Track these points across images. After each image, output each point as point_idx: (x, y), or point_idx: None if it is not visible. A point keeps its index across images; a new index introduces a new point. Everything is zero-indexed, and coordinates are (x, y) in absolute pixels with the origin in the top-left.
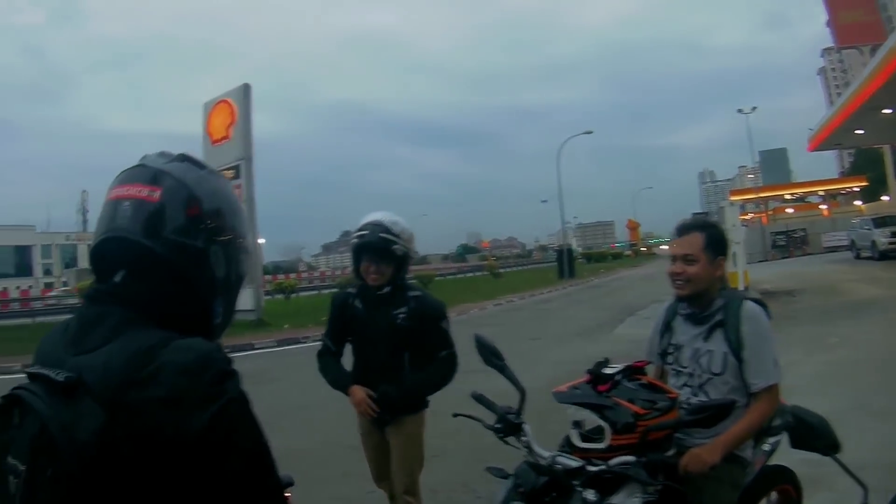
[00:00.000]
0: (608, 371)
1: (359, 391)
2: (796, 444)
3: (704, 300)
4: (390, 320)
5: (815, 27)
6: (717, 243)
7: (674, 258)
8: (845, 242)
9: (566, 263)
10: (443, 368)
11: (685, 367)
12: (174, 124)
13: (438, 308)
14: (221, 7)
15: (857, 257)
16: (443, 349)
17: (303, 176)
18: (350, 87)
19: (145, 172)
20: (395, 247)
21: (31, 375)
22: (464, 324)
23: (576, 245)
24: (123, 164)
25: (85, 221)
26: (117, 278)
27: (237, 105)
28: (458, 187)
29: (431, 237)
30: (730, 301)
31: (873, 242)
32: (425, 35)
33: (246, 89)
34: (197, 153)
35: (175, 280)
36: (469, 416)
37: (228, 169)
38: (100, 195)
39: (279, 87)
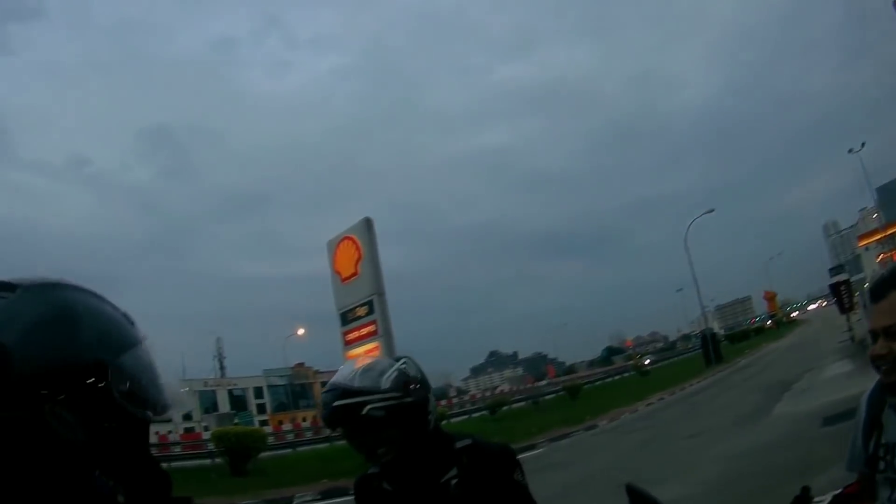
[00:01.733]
0: None
1: None
2: None
3: None
4: (438, 492)
5: None
6: None
7: (874, 334)
8: None
9: (711, 348)
10: None
11: None
12: (302, 266)
13: (505, 455)
14: (336, 149)
15: None
16: None
17: (443, 303)
18: (473, 209)
19: None
20: (371, 408)
21: None
22: (618, 430)
23: (717, 327)
24: (254, 309)
25: (222, 368)
26: None
27: (361, 240)
28: (594, 292)
29: (576, 345)
30: None
31: None
32: (538, 149)
33: (368, 223)
34: (329, 293)
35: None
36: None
37: (361, 305)
38: (234, 341)
39: (406, 219)
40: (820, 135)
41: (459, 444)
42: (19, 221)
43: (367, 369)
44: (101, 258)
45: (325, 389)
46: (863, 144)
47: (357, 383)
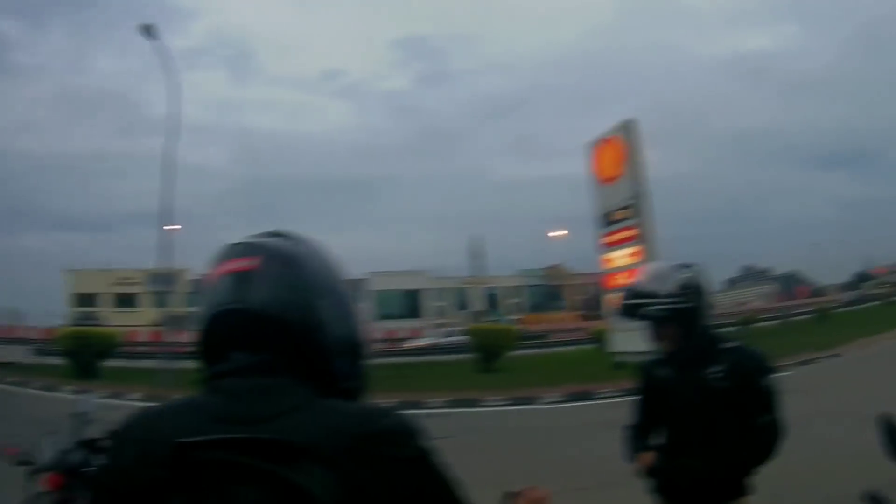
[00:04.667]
0: None
1: (648, 455)
2: None
3: None
4: (701, 383)
5: None
6: None
7: None
8: None
9: None
10: (763, 439)
11: None
12: (559, 168)
13: (760, 360)
14: (593, 52)
15: None
16: (763, 414)
17: (702, 210)
18: (737, 114)
19: (246, 248)
20: (654, 309)
21: (209, 444)
22: (863, 362)
23: None
24: (512, 211)
25: (479, 266)
26: (259, 351)
27: (624, 142)
28: (857, 210)
29: (829, 266)
30: None
31: None
32: (799, 54)
33: (631, 125)
34: (586, 194)
35: (301, 345)
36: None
37: (623, 209)
38: (494, 241)
39: (666, 123)
40: None
41: (725, 346)
42: (280, 134)
43: (658, 275)
44: (364, 163)
45: (625, 292)
46: None
47: (646, 286)
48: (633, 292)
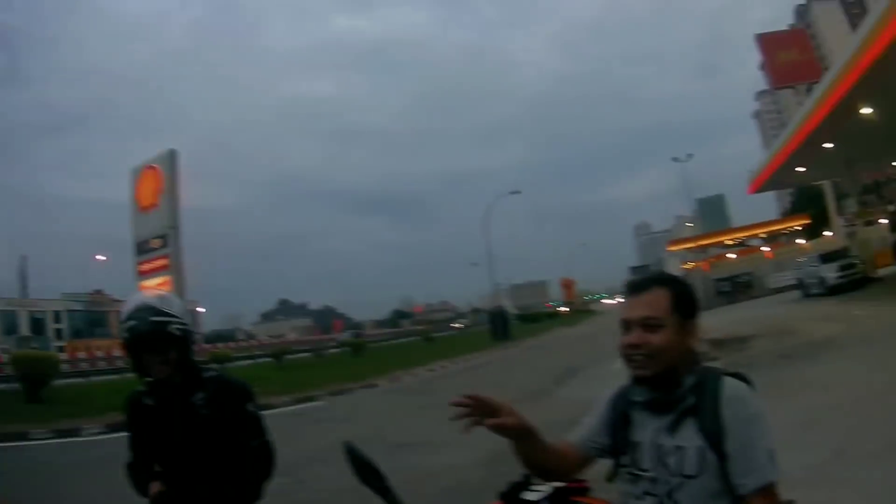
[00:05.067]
0: (530, 496)
1: (156, 485)
2: None
3: (671, 380)
4: (187, 410)
5: (747, 72)
6: (688, 302)
7: (628, 324)
8: (792, 282)
9: (500, 325)
10: (256, 461)
11: (646, 471)
12: (110, 191)
13: (243, 389)
14: (161, 75)
15: (806, 295)
16: (254, 438)
17: (244, 245)
18: (289, 157)
19: None
20: (173, 327)
21: None
22: (398, 393)
23: (511, 306)
24: (62, 229)
25: (25, 288)
26: None
27: (165, 171)
28: (394, 254)
29: (365, 304)
30: (704, 379)
31: (821, 279)
32: (362, 103)
33: (173, 155)
34: (126, 220)
35: None
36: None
37: (157, 237)
38: (39, 260)
39: (218, 156)
40: (652, 140)
41: (207, 374)
42: None
43: (165, 297)
44: None
45: (135, 307)
46: (689, 156)
47: (164, 306)
48: (152, 310)
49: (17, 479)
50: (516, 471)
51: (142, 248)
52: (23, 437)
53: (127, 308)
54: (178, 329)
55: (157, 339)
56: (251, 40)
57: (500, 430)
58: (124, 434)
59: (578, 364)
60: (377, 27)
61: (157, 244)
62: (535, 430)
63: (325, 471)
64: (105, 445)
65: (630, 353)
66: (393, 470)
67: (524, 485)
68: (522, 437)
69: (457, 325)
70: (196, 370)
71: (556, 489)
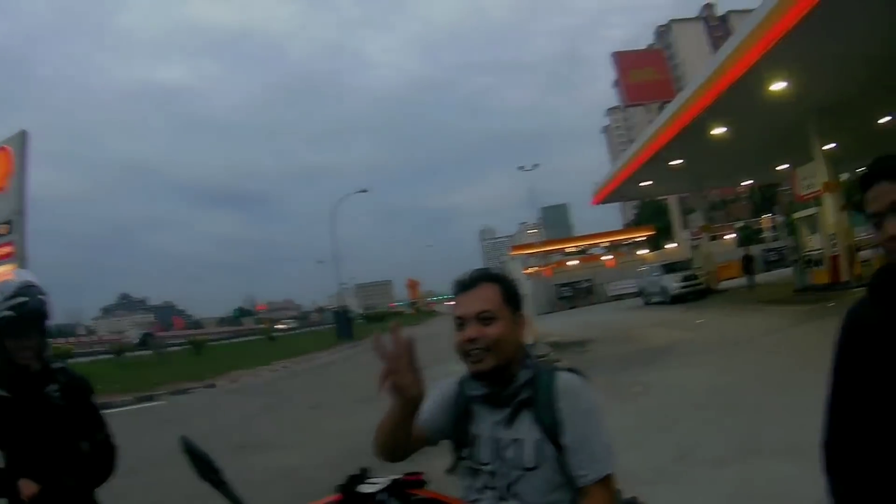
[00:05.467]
0: (367, 488)
1: (28, 485)
2: None
3: (506, 374)
4: (44, 401)
5: (600, 87)
6: (515, 296)
7: (462, 321)
8: (632, 290)
9: (344, 325)
10: (104, 456)
11: (486, 464)
12: None
13: (87, 381)
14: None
15: (648, 303)
16: (98, 432)
17: (83, 235)
18: (134, 143)
19: None
20: (40, 300)
21: None
22: (239, 393)
23: (356, 305)
24: None
25: None
26: None
27: (15, 153)
28: (238, 249)
29: (207, 301)
30: (538, 373)
31: (663, 288)
32: (213, 93)
33: (23, 136)
34: None
35: None
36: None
37: (3, 224)
38: None
39: (61, 139)
40: (501, 149)
41: (56, 365)
42: None
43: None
44: None
45: (23, 285)
46: (535, 165)
47: (28, 280)
48: (39, 290)
49: None
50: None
51: None
52: None
53: (10, 285)
54: (43, 306)
55: (40, 319)
56: (110, 20)
57: (407, 391)
58: None
59: (422, 364)
60: (236, 16)
61: (3, 230)
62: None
63: (172, 473)
64: None
65: (468, 349)
66: (234, 471)
67: (361, 477)
68: (412, 410)
69: (281, 326)
70: (48, 360)
71: (393, 481)
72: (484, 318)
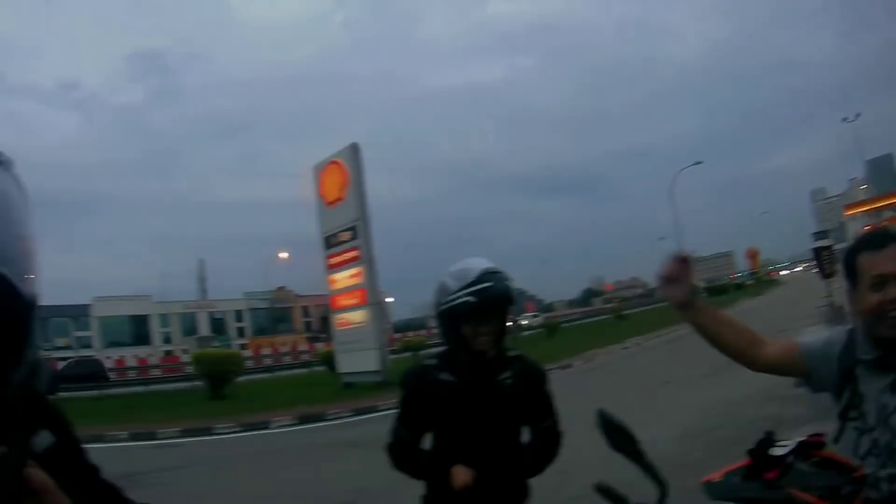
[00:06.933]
0: (777, 451)
1: (464, 472)
2: None
3: None
4: (494, 389)
5: None
6: None
7: (882, 279)
8: None
9: None
10: (548, 443)
11: (871, 430)
12: (286, 190)
13: (542, 370)
14: (327, 76)
15: None
16: (546, 419)
17: (431, 234)
18: (464, 144)
19: None
20: (514, 295)
21: None
22: (593, 372)
23: (697, 279)
24: (237, 233)
25: (204, 290)
26: None
27: (348, 165)
28: (577, 234)
29: (556, 285)
30: None
31: None
32: (530, 88)
33: (355, 149)
34: (310, 216)
35: None
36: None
37: (346, 230)
38: (216, 264)
39: (393, 150)
40: (816, 100)
41: (512, 353)
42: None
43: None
44: (90, 180)
45: (486, 270)
46: (857, 115)
47: (506, 273)
48: (505, 276)
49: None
50: (706, 448)
51: (330, 242)
52: (207, 431)
53: (468, 270)
54: (510, 295)
55: (504, 305)
56: (411, 34)
57: (674, 298)
58: (311, 425)
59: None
60: (534, 8)
61: (346, 237)
62: (701, 303)
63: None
64: (296, 437)
65: (890, 310)
66: (592, 445)
67: (769, 441)
68: (688, 307)
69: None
70: (504, 347)
71: (800, 443)
72: None
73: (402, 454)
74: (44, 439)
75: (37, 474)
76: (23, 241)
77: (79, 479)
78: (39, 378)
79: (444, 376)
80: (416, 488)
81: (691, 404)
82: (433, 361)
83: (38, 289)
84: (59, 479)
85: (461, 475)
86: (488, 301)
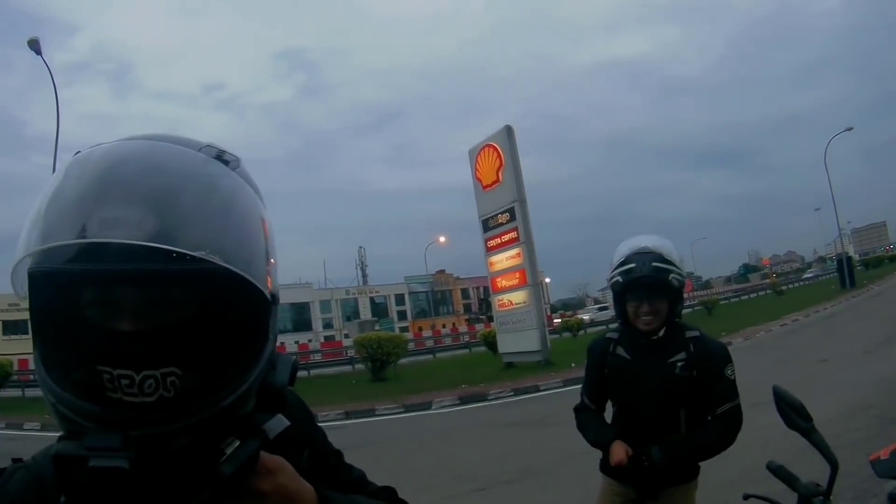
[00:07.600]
0: None
1: (620, 448)
2: None
3: None
4: (665, 370)
5: None
6: None
7: None
8: None
9: (846, 273)
10: (725, 427)
11: None
12: (441, 176)
13: (722, 352)
14: (469, 61)
15: None
16: (725, 402)
17: (582, 212)
18: (613, 118)
19: None
20: (672, 277)
21: None
22: (752, 349)
23: (852, 251)
24: (394, 222)
25: (364, 276)
26: None
27: (502, 148)
28: (733, 206)
29: (712, 260)
30: None
31: None
32: (675, 59)
33: (509, 131)
34: (464, 201)
35: None
36: (762, 498)
37: (503, 212)
38: (376, 252)
39: (541, 129)
40: None
41: (689, 334)
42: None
43: (666, 245)
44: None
45: (636, 250)
46: None
47: (670, 255)
48: (656, 255)
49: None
50: (868, 426)
51: (488, 225)
52: (370, 413)
53: (625, 248)
54: (676, 279)
55: (653, 287)
56: (552, 13)
57: None
58: (473, 405)
59: None
60: None
61: (504, 219)
62: None
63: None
64: (458, 417)
65: None
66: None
67: None
68: None
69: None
70: (680, 329)
71: None
72: None
73: (580, 419)
74: (279, 424)
75: (269, 456)
76: (258, 240)
77: (320, 462)
78: (278, 370)
79: (621, 351)
80: (579, 467)
81: (850, 381)
82: (615, 335)
83: (276, 286)
84: (296, 462)
85: (617, 453)
86: (633, 282)
